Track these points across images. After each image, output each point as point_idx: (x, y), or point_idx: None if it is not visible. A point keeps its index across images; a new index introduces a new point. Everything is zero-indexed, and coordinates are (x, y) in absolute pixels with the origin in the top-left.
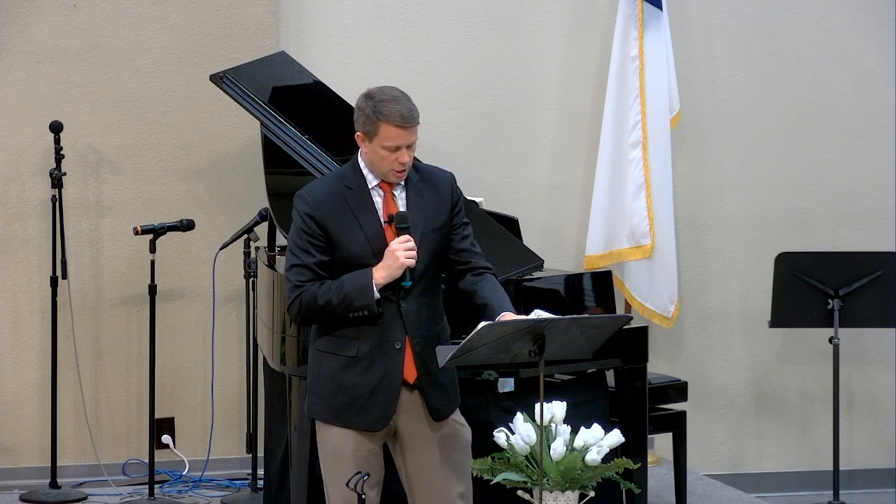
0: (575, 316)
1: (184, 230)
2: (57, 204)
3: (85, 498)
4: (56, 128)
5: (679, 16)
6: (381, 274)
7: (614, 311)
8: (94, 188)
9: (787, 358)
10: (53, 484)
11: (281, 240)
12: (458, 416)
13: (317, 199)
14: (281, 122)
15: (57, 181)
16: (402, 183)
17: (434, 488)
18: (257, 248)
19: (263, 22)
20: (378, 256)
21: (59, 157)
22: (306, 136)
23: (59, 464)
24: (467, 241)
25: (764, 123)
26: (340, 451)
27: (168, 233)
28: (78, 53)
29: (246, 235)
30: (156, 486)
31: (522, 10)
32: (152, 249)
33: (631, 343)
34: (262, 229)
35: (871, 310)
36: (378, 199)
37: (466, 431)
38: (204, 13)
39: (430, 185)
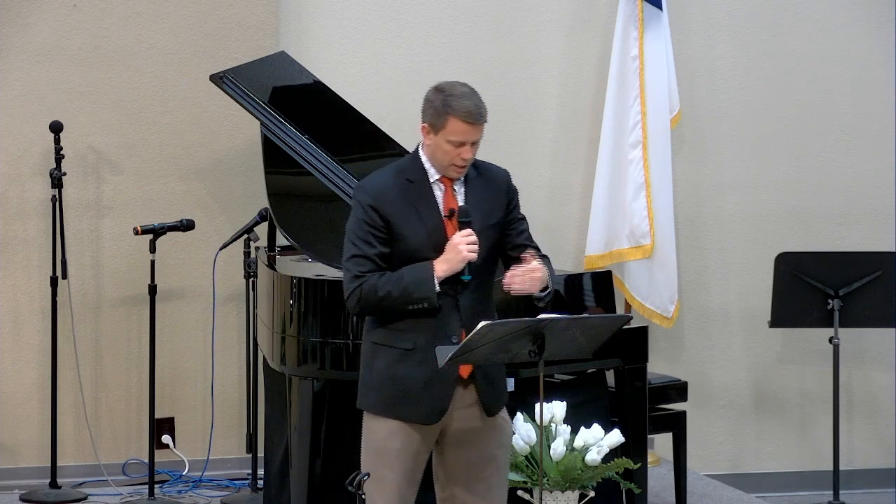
0: (575, 316)
1: (184, 230)
2: (57, 204)
3: (85, 498)
4: (56, 128)
5: (679, 16)
6: (443, 267)
7: (614, 311)
8: (94, 188)
9: (787, 358)
10: (53, 484)
11: (281, 240)
12: (504, 411)
13: (379, 191)
14: (281, 122)
15: (57, 181)
16: (462, 178)
17: (476, 486)
18: (257, 248)
19: (263, 22)
20: (437, 250)
21: (59, 157)
22: (306, 136)
23: (59, 464)
24: (523, 237)
25: (764, 123)
26: (387, 448)
27: (168, 233)
28: (78, 53)
29: (246, 235)
30: (156, 486)
31: (522, 10)
32: (152, 249)
33: (631, 343)
34: (262, 229)
35: (871, 310)
36: (439, 194)
37: (510, 427)
38: (204, 13)
39: (487, 181)
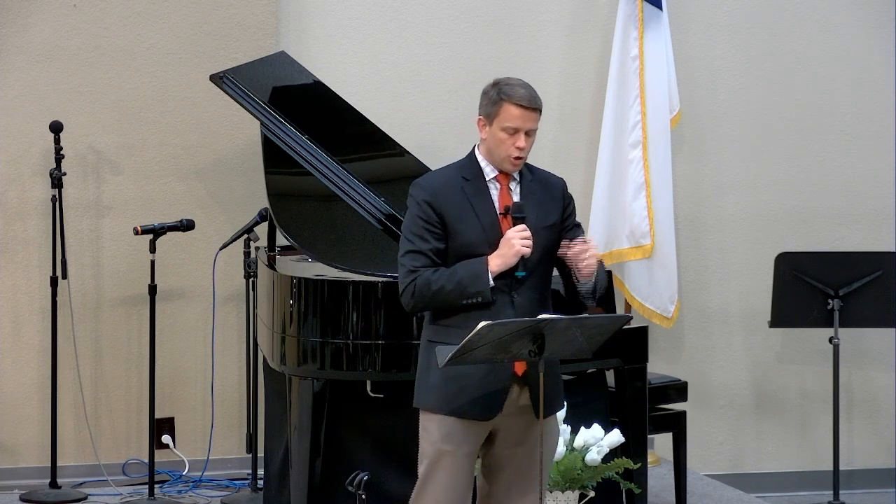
0: (575, 316)
1: (184, 230)
2: (57, 204)
3: (85, 498)
4: (56, 128)
5: (679, 16)
6: (497, 262)
7: (614, 311)
8: (94, 188)
9: (787, 358)
10: (53, 484)
11: (281, 240)
12: (554, 417)
13: (434, 187)
14: (281, 122)
15: (57, 181)
16: (517, 178)
17: (518, 486)
18: (257, 248)
19: (263, 22)
20: (493, 246)
21: (59, 157)
22: (306, 136)
23: (59, 464)
24: (576, 235)
25: (764, 123)
26: (444, 450)
27: (168, 233)
28: (78, 53)
29: (246, 235)
30: (156, 486)
31: (522, 10)
32: (152, 249)
33: (631, 343)
34: (262, 229)
35: (871, 310)
36: (494, 191)
37: (557, 432)
38: (204, 13)
39: (543, 184)
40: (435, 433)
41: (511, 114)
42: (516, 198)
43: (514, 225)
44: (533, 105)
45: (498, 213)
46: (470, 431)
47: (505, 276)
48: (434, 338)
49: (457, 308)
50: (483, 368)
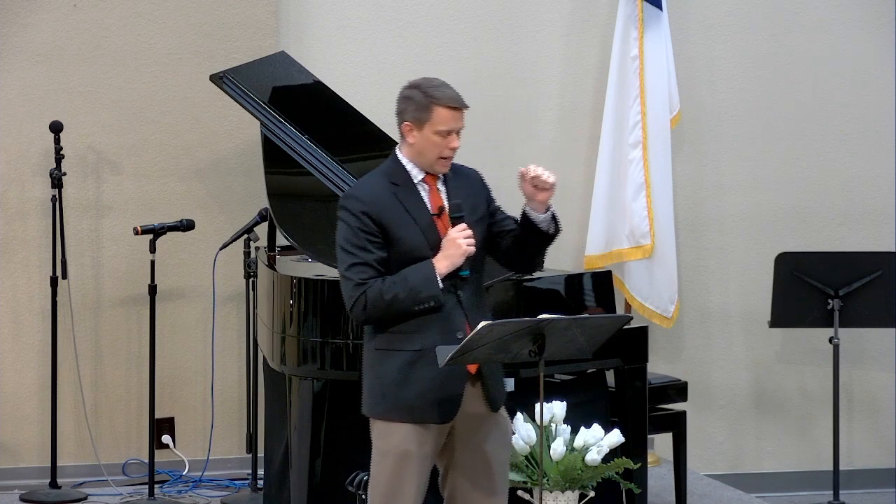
0: (575, 316)
1: (184, 230)
2: (57, 204)
3: (85, 498)
4: (56, 128)
5: (679, 16)
6: (444, 263)
7: (614, 311)
8: (94, 188)
9: (787, 358)
10: (53, 484)
11: (281, 240)
12: (504, 409)
13: (370, 197)
14: (281, 122)
15: (57, 181)
16: (442, 178)
17: (487, 478)
18: (257, 248)
19: (263, 22)
20: (434, 249)
21: (59, 157)
22: (306, 136)
23: (59, 464)
24: (510, 219)
25: (764, 123)
26: (405, 451)
27: (168, 233)
28: (78, 53)
29: (246, 235)
30: (156, 486)
31: (522, 10)
32: (152, 249)
33: (631, 343)
34: (262, 229)
35: (871, 310)
36: (424, 193)
37: (510, 425)
38: (204, 13)
39: (464, 178)
40: (393, 438)
41: (443, 116)
42: (444, 196)
43: (453, 224)
44: (463, 105)
45: (432, 214)
46: (428, 434)
47: (450, 276)
48: (384, 345)
49: (409, 314)
50: (442, 371)
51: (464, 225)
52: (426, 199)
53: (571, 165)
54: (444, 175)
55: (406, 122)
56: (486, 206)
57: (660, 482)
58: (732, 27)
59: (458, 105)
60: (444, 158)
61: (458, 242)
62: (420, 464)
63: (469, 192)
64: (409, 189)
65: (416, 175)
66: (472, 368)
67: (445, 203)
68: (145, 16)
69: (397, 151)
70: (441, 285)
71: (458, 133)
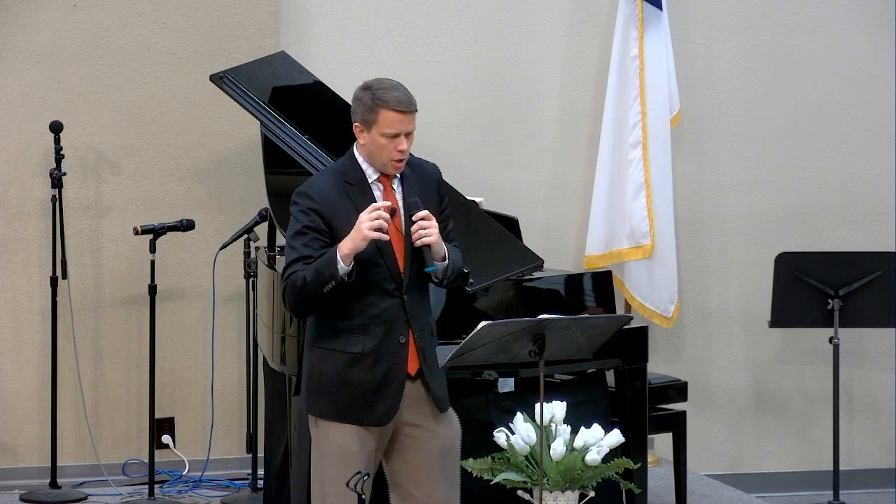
0: (575, 316)
1: (184, 230)
2: (57, 204)
3: (85, 498)
4: (56, 128)
5: (679, 16)
6: (347, 244)
7: (614, 311)
8: (94, 188)
9: (787, 358)
10: (53, 484)
11: (281, 240)
12: (451, 410)
13: (320, 195)
14: (281, 122)
15: (57, 181)
16: (399, 176)
17: (433, 479)
18: (257, 248)
19: (263, 22)
20: (381, 250)
21: (59, 157)
22: (306, 136)
23: (59, 464)
24: (448, 234)
25: (764, 123)
26: (346, 449)
27: (168, 233)
28: (78, 53)
29: (246, 235)
30: (156, 486)
31: (522, 10)
32: (152, 249)
33: (631, 343)
34: (262, 229)
35: (871, 310)
36: (378, 193)
37: (458, 422)
38: (204, 13)
39: (420, 177)
40: (335, 437)
41: (389, 119)
42: (399, 196)
43: (408, 224)
44: (410, 108)
45: None
46: (370, 434)
47: (395, 280)
48: (326, 345)
49: (347, 310)
50: (378, 375)
51: (374, 206)
52: (379, 198)
53: (571, 165)
54: (402, 173)
55: (356, 123)
56: (437, 208)
57: (660, 482)
58: (732, 27)
59: (404, 108)
60: (395, 161)
61: (361, 226)
62: (363, 462)
63: (423, 192)
64: (362, 189)
65: (371, 175)
66: (412, 369)
67: (400, 203)
68: (145, 16)
69: (354, 150)
70: (344, 266)
71: (407, 136)
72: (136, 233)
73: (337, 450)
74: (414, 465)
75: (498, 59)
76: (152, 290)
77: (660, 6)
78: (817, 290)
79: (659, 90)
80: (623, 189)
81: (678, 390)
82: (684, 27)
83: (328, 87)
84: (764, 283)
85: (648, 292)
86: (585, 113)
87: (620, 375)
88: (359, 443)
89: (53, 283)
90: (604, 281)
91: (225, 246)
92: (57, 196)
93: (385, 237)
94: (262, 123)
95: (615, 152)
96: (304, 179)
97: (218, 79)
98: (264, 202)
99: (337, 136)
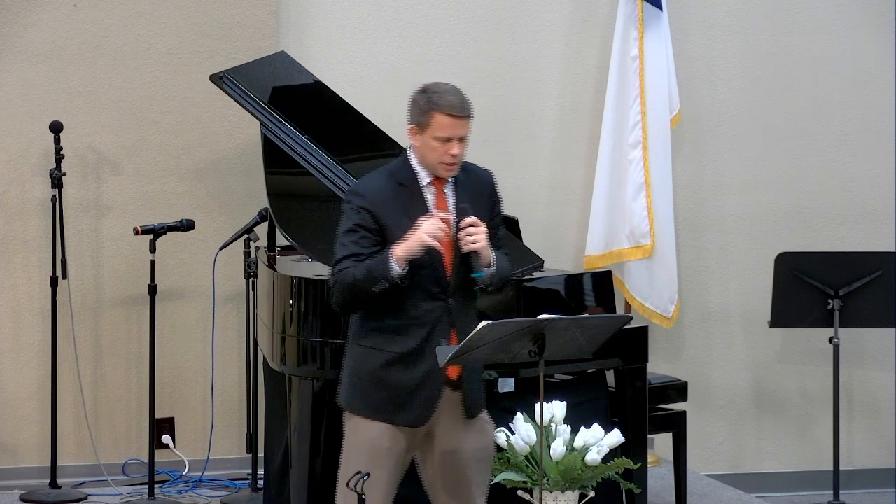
0: (575, 316)
1: (184, 230)
2: (57, 204)
3: (85, 498)
4: (56, 128)
5: (679, 16)
6: (402, 247)
7: (614, 311)
8: (94, 188)
9: (787, 358)
10: (53, 484)
11: (281, 240)
12: (485, 412)
13: (371, 194)
14: (281, 122)
15: (57, 181)
16: (452, 181)
17: (461, 486)
18: (257, 248)
19: (263, 22)
20: (429, 252)
21: (59, 157)
22: (306, 136)
23: (59, 464)
24: (495, 242)
25: (764, 123)
26: (376, 446)
27: (168, 233)
28: (78, 53)
29: (246, 235)
30: (156, 486)
31: (522, 10)
32: (152, 249)
33: (631, 343)
34: (262, 229)
35: (871, 310)
36: (430, 196)
37: (492, 428)
38: (204, 13)
39: (473, 182)
40: (368, 433)
41: (442, 123)
42: (451, 201)
43: (457, 230)
44: (463, 113)
45: None
46: (402, 434)
47: (440, 283)
48: (367, 343)
49: (391, 310)
50: (417, 376)
51: (434, 217)
52: (431, 202)
53: (571, 165)
54: (456, 177)
55: (410, 125)
56: (488, 216)
57: (660, 482)
58: (732, 27)
59: (457, 113)
60: (447, 164)
61: (420, 233)
62: (393, 460)
63: (475, 198)
64: (413, 190)
65: (424, 178)
66: (454, 374)
67: (451, 207)
68: (145, 16)
69: (408, 152)
70: (397, 268)
71: (460, 140)
72: (136, 233)
73: (366, 445)
74: (440, 469)
75: (498, 59)
76: (152, 290)
77: (660, 6)
78: (817, 290)
79: (659, 90)
80: (623, 189)
81: (678, 390)
82: (684, 27)
83: (328, 87)
84: (764, 283)
85: (648, 292)
86: (585, 113)
87: (620, 375)
88: (389, 441)
89: (53, 283)
90: (604, 281)
91: (225, 246)
92: (57, 196)
93: (438, 246)
94: (262, 123)
95: (615, 152)
96: (304, 179)
97: (218, 79)
98: (264, 202)
99: (337, 137)
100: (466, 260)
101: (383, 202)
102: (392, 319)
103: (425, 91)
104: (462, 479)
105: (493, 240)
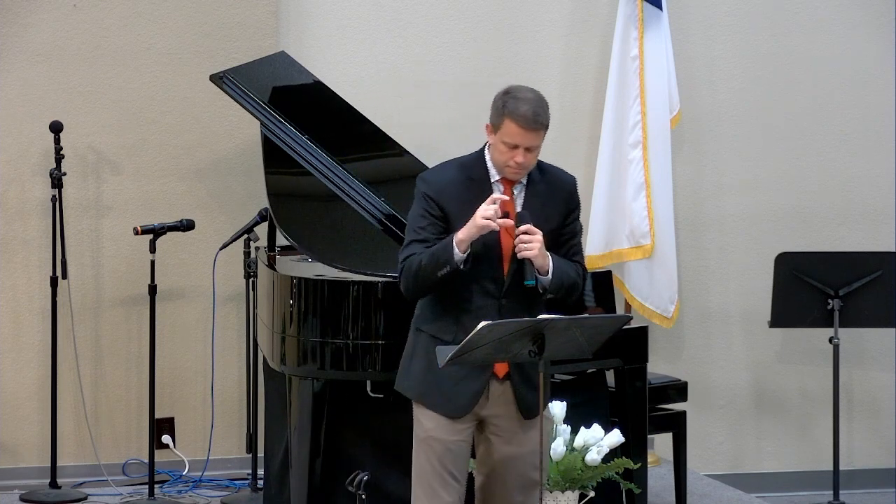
0: (575, 316)
1: (184, 230)
2: (57, 204)
3: (85, 498)
4: (56, 128)
5: (679, 16)
6: (462, 231)
7: (614, 311)
8: (94, 188)
9: (787, 358)
10: (53, 484)
11: (281, 240)
12: (549, 411)
13: (439, 183)
14: (281, 122)
15: (57, 181)
16: (524, 182)
17: (512, 483)
18: (257, 248)
19: (263, 22)
20: (489, 246)
21: (59, 157)
22: (306, 136)
23: (59, 464)
24: (571, 250)
25: (764, 123)
26: (432, 435)
27: (168, 233)
28: (78, 53)
29: (246, 235)
30: (156, 486)
31: (522, 10)
32: (152, 249)
33: (631, 343)
34: (262, 229)
35: (871, 310)
36: (498, 193)
37: (551, 425)
38: (204, 13)
39: (550, 185)
40: (425, 422)
41: (511, 130)
42: (520, 202)
43: (516, 234)
44: (532, 126)
45: (498, 216)
46: (459, 422)
47: (495, 281)
48: (423, 328)
49: (450, 299)
50: (463, 368)
51: (491, 202)
52: None
53: (571, 165)
54: (530, 177)
55: (488, 123)
56: (562, 221)
57: (660, 482)
58: (732, 27)
59: (526, 125)
60: (511, 168)
61: (477, 215)
62: (450, 451)
63: (547, 203)
64: (483, 186)
65: (494, 175)
66: (500, 371)
67: (518, 209)
68: (145, 16)
69: (485, 147)
70: (460, 253)
71: (528, 150)
72: (136, 233)
73: (424, 433)
74: (493, 460)
75: (498, 59)
76: (152, 290)
77: (660, 6)
78: (817, 290)
79: (659, 90)
80: (623, 189)
81: (678, 390)
82: (684, 27)
83: (328, 87)
84: (764, 283)
85: (648, 292)
86: (585, 113)
87: (620, 375)
88: (442, 431)
89: (53, 283)
90: (604, 281)
91: (225, 246)
92: (57, 196)
93: (495, 227)
94: (262, 123)
95: (615, 152)
96: (304, 180)
97: (218, 79)
98: (264, 202)
99: (337, 136)
100: (521, 266)
101: (450, 194)
102: (449, 308)
103: (507, 93)
104: (516, 474)
105: (566, 247)
